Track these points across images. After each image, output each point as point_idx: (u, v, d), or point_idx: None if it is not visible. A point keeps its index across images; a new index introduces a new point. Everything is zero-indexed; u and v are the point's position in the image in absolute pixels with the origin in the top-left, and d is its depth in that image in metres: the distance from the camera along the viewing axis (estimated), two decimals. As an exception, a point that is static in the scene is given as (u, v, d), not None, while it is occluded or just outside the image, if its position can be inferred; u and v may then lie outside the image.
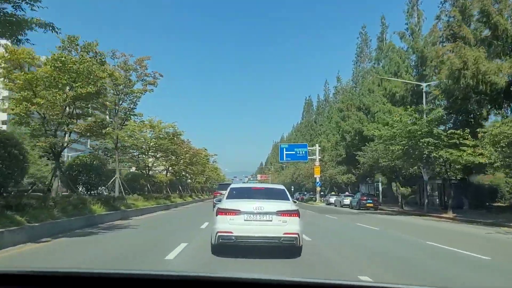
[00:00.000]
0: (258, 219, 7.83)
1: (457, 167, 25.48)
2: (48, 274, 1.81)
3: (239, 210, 7.87)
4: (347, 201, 41.98)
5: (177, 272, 2.27)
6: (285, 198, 8.69)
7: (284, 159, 52.35)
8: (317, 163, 51.49)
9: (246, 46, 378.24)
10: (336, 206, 44.52)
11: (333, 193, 53.20)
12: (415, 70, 40.48)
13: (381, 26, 49.60)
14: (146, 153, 28.18)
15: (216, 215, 8.06)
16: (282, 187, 9.70)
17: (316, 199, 51.86)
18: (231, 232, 7.71)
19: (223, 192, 13.10)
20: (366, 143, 40.69)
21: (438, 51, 29.08)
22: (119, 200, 19.82)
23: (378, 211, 35.23)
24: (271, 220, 7.84)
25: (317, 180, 51.36)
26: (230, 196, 8.65)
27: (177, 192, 42.02)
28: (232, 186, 9.80)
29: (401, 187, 36.47)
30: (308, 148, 52.83)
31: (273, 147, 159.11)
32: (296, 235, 7.83)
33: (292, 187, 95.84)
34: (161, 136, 28.52)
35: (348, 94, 61.91)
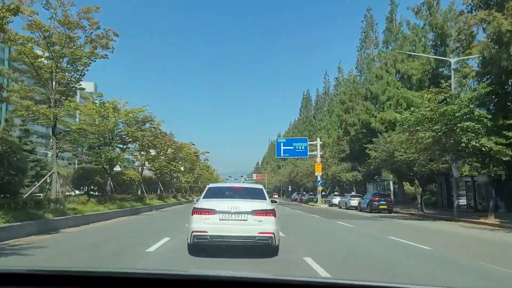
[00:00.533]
0: (233, 218, 7.83)
1: (504, 159, 19.80)
2: (45, 273, 1.84)
3: (214, 210, 7.89)
4: (354, 202, 36.31)
5: (158, 270, 2.26)
6: (262, 197, 8.64)
7: (282, 155, 46.65)
8: (318, 159, 45.80)
9: (239, 40, 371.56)
10: (341, 207, 38.85)
11: (336, 193, 47.52)
12: (432, 50, 34.91)
13: (390, 5, 43.94)
14: (110, 143, 22.31)
15: (192, 215, 8.05)
16: (260, 186, 9.74)
17: (317, 200, 46.16)
18: (206, 232, 7.73)
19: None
20: (375, 136, 35.28)
21: (468, 21, 23.37)
22: (52, 203, 14.05)
23: (394, 214, 29.61)
24: (246, 220, 7.83)
25: (318, 178, 45.67)
26: (207, 196, 8.66)
27: (158, 193, 36.23)
28: (210, 185, 9.85)
29: (418, 186, 30.85)
30: (308, 142, 47.13)
31: (270, 145, 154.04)
32: (271, 235, 7.82)
33: (290, 186, 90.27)
34: (127, 122, 22.74)
35: (351, 84, 56.40)
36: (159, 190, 42.33)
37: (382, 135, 30.81)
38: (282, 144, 46.44)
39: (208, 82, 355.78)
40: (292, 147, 46.10)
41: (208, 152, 75.52)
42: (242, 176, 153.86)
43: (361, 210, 33.05)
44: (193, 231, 7.83)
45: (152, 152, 31.18)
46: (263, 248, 8.03)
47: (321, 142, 47.34)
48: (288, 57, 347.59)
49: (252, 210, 7.87)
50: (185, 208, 29.88)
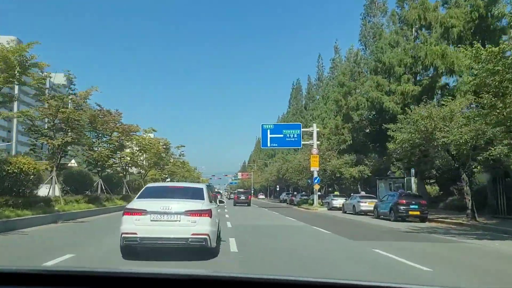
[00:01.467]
0: (165, 219, 7.51)
1: None
2: (45, 273, 1.85)
3: (145, 210, 7.55)
4: (366, 205, 26.77)
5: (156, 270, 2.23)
6: (200, 197, 8.21)
7: (269, 144, 36.87)
8: (314, 150, 36.15)
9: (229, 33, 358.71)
10: (346, 212, 29.27)
11: (336, 193, 37.86)
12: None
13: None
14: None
15: (122, 215, 7.76)
16: (202, 186, 9.43)
17: (313, 201, 36.45)
18: (136, 233, 7.38)
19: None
20: (388, 120, 25.92)
21: None
22: None
23: (432, 224, 20.14)
24: (179, 221, 7.52)
25: (315, 174, 36.01)
26: (142, 196, 8.34)
27: (88, 193, 26.07)
28: (148, 185, 9.89)
29: (467, 183, 21.36)
30: (302, 129, 37.45)
31: (256, 143, 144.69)
32: (206, 236, 7.53)
33: (278, 186, 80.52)
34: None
35: (352, 62, 47.00)
36: (125, 189, 32.43)
37: (414, 108, 21.20)
38: (269, 131, 36.66)
39: (190, 83, 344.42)
40: (282, 135, 36.39)
41: (184, 146, 65.63)
42: (226, 175, 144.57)
43: (378, 217, 23.50)
44: (122, 233, 7.48)
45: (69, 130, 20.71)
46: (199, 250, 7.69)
47: (318, 129, 37.68)
48: (274, 46, 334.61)
49: (186, 211, 7.57)
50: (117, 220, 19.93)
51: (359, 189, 37.44)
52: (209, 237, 7.52)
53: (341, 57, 58.62)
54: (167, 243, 7.49)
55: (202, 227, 7.51)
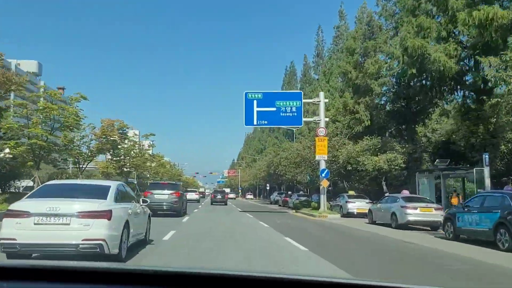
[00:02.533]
0: (52, 222, 6.54)
1: None
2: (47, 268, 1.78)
3: (28, 212, 6.57)
4: (417, 214, 15.67)
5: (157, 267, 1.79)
6: (102, 196, 7.23)
7: (255, 121, 25.32)
8: (321, 130, 24.85)
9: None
10: (375, 222, 18.28)
11: (351, 192, 26.58)
12: None
13: None
14: None
15: (3, 218, 6.86)
16: (110, 183, 8.17)
17: (318, 205, 24.99)
18: (15, 239, 6.45)
19: (155, 192, 18.72)
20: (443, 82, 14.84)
21: None
22: None
23: None
24: (68, 224, 6.55)
25: (322, 165, 24.71)
26: (33, 195, 7.47)
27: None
28: (48, 182, 9.10)
29: None
30: (303, 101, 26.11)
31: (245, 139, 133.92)
32: (102, 242, 6.52)
33: (268, 184, 69.01)
34: None
35: (365, 23, 36.00)
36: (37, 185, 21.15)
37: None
38: (255, 103, 25.19)
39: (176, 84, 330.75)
40: (275, 109, 25.02)
41: (154, 135, 54.22)
42: (211, 173, 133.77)
43: (455, 236, 12.39)
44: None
45: None
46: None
47: (326, 100, 26.32)
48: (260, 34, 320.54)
49: (78, 212, 6.58)
50: None
51: (384, 186, 26.32)
52: (106, 242, 6.55)
53: (348, 25, 47.61)
54: (52, 250, 6.54)
55: (97, 231, 6.56)
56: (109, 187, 7.74)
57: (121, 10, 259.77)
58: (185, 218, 18.89)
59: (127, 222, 7.51)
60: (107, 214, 6.72)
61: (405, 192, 18.84)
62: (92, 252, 6.50)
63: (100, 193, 7.37)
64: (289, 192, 43.60)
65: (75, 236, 6.47)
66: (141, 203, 9.54)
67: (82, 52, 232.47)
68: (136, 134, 45.03)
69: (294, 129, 52.98)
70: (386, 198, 18.88)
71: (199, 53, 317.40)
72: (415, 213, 16.16)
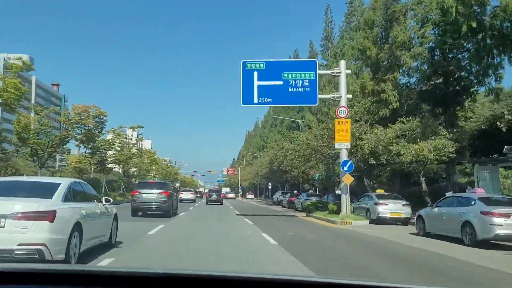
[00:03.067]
0: None
1: None
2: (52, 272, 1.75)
3: None
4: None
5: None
6: (47, 195, 6.28)
7: (256, 99, 19.30)
8: (342, 110, 18.97)
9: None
10: (428, 234, 12.47)
11: (379, 191, 20.69)
12: None
13: None
14: None
15: None
16: (61, 181, 7.27)
17: (343, 209, 18.95)
18: None
19: (144, 191, 17.36)
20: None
21: None
22: None
23: None
24: (2, 226, 5.68)
25: (344, 156, 18.81)
26: None
27: None
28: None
29: None
30: (318, 72, 20.19)
31: (246, 137, 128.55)
32: (41, 246, 5.65)
33: (270, 183, 62.93)
34: None
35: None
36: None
37: None
38: (256, 74, 19.29)
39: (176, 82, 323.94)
40: (281, 82, 19.13)
41: (143, 127, 48.69)
42: (210, 171, 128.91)
43: None
44: None
45: None
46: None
47: (348, 71, 20.38)
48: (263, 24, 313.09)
49: (14, 213, 5.72)
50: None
51: (423, 183, 20.42)
52: (47, 247, 5.70)
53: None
54: None
55: (35, 234, 5.71)
56: (58, 184, 6.81)
57: (121, 10, 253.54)
58: (157, 228, 12.99)
59: (78, 224, 6.52)
60: (49, 216, 5.88)
61: (479, 191, 12.90)
62: (29, 259, 5.60)
63: (46, 191, 6.51)
64: (295, 192, 37.69)
65: (9, 240, 5.64)
66: (104, 203, 8.48)
67: (82, 52, 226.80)
68: (122, 127, 39.22)
69: (300, 122, 47.27)
70: (447, 199, 12.94)
71: (199, 53, 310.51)
72: (506, 223, 10.32)
